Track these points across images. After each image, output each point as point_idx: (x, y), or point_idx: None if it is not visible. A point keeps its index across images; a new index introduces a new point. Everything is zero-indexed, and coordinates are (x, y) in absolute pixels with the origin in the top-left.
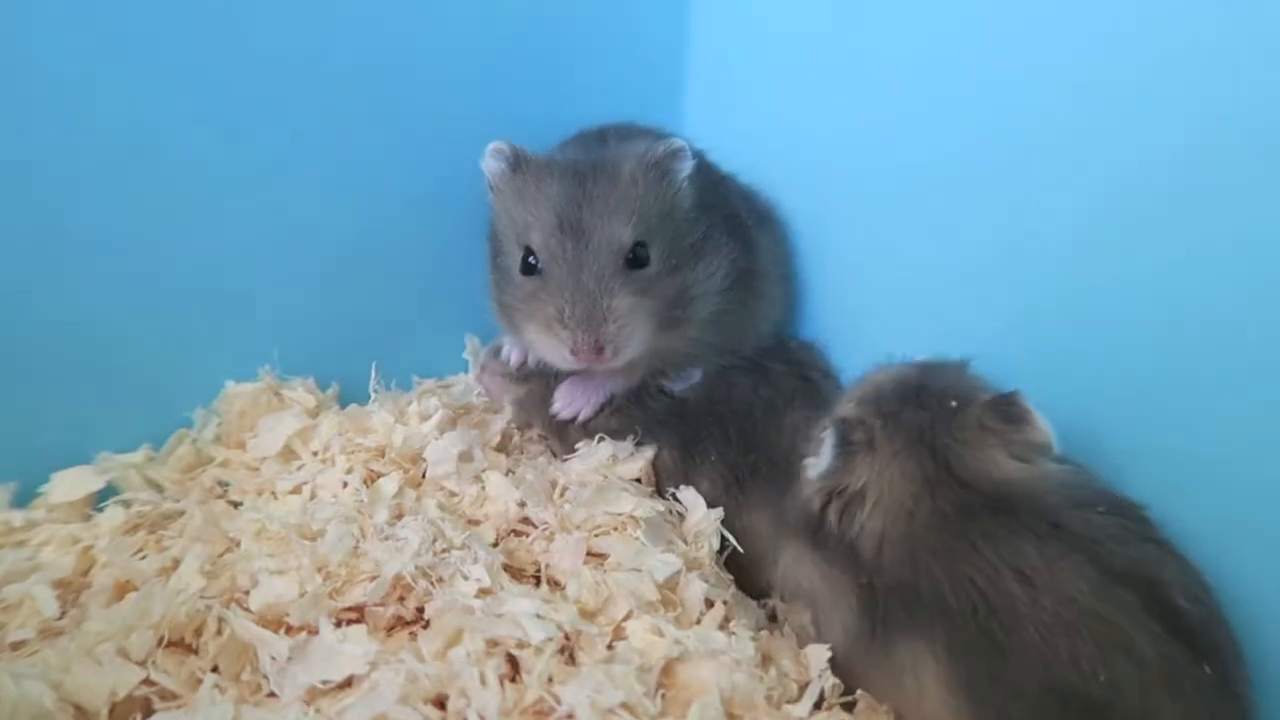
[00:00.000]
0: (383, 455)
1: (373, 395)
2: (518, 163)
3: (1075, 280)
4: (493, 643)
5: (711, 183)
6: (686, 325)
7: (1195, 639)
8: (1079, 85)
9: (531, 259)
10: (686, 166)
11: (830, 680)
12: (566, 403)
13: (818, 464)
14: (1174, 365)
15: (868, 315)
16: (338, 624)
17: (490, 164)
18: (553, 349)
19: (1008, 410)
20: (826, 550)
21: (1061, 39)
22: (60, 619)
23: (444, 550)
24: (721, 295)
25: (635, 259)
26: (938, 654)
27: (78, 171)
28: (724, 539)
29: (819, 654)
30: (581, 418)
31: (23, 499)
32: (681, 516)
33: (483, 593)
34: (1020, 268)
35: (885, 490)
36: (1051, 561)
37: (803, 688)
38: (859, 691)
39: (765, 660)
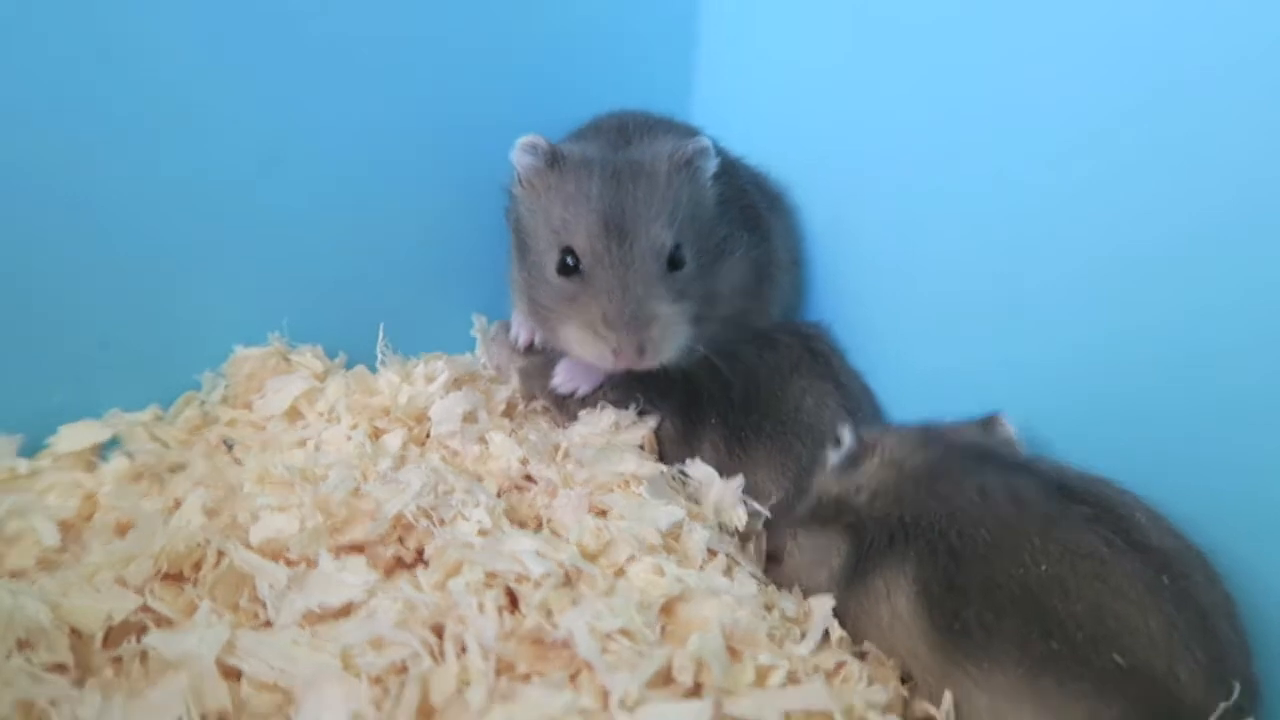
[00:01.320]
0: (388, 414)
1: (380, 358)
2: (554, 159)
3: (1075, 272)
4: (492, 575)
5: (729, 175)
6: (710, 322)
7: (1151, 549)
8: (1079, 83)
9: (570, 259)
10: (712, 165)
11: (838, 632)
12: (567, 378)
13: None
14: (1173, 379)
15: (874, 307)
16: (336, 557)
17: (523, 158)
18: (594, 351)
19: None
20: (823, 518)
21: (1065, 39)
22: (61, 553)
23: (446, 492)
24: (742, 291)
25: (673, 261)
26: (908, 573)
27: (95, 137)
28: None
29: (823, 603)
30: (580, 393)
31: (30, 454)
32: (684, 482)
33: (483, 533)
34: (1024, 264)
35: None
36: (1009, 478)
37: (806, 633)
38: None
39: (769, 607)
